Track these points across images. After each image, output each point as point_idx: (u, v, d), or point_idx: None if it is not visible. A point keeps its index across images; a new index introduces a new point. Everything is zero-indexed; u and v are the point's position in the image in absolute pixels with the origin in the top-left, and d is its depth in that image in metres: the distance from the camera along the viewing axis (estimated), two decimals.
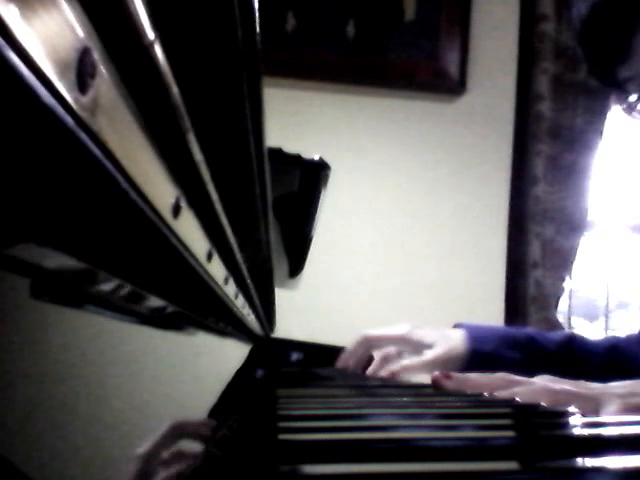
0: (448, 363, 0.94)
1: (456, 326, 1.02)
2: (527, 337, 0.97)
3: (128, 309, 0.35)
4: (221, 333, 0.72)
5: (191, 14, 0.27)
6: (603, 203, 2.41)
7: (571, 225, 2.21)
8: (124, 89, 0.20)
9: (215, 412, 0.53)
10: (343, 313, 2.13)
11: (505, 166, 2.25)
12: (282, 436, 0.33)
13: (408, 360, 0.96)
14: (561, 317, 2.26)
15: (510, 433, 0.34)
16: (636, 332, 0.97)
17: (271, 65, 2.03)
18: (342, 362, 1.07)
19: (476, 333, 0.97)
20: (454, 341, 0.96)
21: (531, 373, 0.89)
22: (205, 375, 0.62)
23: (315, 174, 1.15)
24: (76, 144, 0.17)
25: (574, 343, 0.96)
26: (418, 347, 0.98)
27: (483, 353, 0.94)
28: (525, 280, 2.19)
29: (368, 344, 1.04)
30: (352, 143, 2.21)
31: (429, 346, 0.97)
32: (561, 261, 2.19)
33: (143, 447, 0.31)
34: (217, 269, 0.45)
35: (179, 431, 0.36)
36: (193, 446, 0.39)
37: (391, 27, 2.21)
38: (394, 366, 0.95)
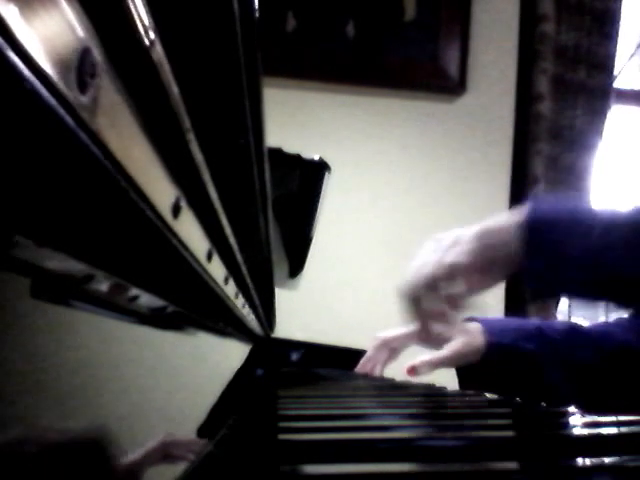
0: (468, 356, 0.94)
1: (467, 320, 1.01)
2: (536, 328, 0.96)
3: (128, 309, 0.35)
4: (221, 333, 0.72)
5: (191, 14, 0.27)
6: (603, 203, 2.40)
7: None
8: (124, 89, 0.20)
9: (215, 412, 0.53)
10: (343, 313, 2.13)
11: (505, 166, 2.25)
12: (282, 436, 0.33)
13: (428, 355, 0.96)
14: (561, 317, 2.26)
15: (510, 433, 0.34)
16: (624, 317, 0.97)
17: (271, 65, 2.03)
18: (361, 368, 1.06)
19: (492, 326, 0.96)
20: (472, 334, 0.95)
21: (540, 363, 0.88)
22: (205, 375, 0.62)
23: (315, 174, 1.15)
24: (76, 144, 0.17)
25: (574, 332, 0.95)
26: (437, 342, 0.98)
27: (501, 345, 0.93)
28: None
29: (387, 346, 1.03)
30: (352, 143, 2.21)
31: (447, 340, 0.96)
32: None
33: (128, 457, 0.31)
34: (217, 269, 0.45)
35: (167, 449, 0.35)
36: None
37: (391, 27, 2.21)
38: (415, 361, 0.95)
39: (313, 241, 1.24)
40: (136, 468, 0.31)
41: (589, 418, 0.40)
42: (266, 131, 0.44)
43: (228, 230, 0.44)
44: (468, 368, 0.96)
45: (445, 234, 0.85)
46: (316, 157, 1.15)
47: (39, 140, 0.17)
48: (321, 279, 2.05)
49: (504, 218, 0.79)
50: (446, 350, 0.95)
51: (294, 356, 1.28)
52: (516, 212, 0.78)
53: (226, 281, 0.52)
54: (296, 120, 2.14)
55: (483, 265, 0.81)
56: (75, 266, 0.24)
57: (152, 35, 0.20)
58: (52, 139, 0.17)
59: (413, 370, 0.95)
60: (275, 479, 0.26)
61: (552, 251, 0.74)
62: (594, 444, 0.31)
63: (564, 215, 0.76)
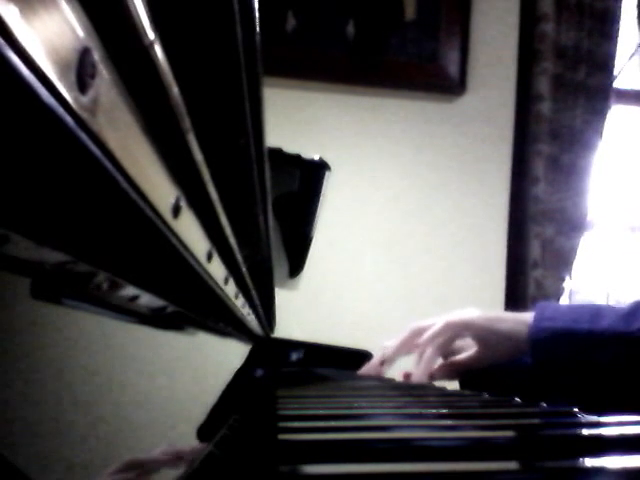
0: (470, 367, 0.94)
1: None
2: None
3: (128, 309, 0.35)
4: (221, 333, 0.72)
5: (191, 14, 0.27)
6: (603, 203, 2.41)
7: (571, 225, 2.21)
8: (124, 89, 0.20)
9: (215, 412, 0.53)
10: (343, 313, 2.13)
11: (505, 166, 2.25)
12: (282, 436, 0.33)
13: (450, 358, 0.96)
14: None
15: (510, 433, 0.34)
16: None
17: (271, 65, 2.03)
18: (365, 372, 1.05)
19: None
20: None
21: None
22: (205, 375, 0.62)
23: (315, 174, 1.15)
24: (76, 144, 0.17)
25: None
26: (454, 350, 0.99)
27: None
28: (525, 280, 2.19)
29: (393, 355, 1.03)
30: (352, 143, 2.21)
31: (456, 351, 0.97)
32: (561, 261, 2.19)
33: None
34: (217, 269, 0.45)
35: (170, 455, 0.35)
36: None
37: (391, 27, 2.21)
38: (411, 371, 0.96)
39: (313, 241, 1.24)
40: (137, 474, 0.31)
41: (589, 418, 0.40)
42: (266, 131, 0.44)
43: (228, 230, 0.44)
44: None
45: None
46: (316, 157, 1.15)
47: (39, 140, 0.17)
48: (321, 279, 2.05)
49: (512, 315, 0.95)
50: (446, 362, 0.95)
51: (294, 356, 1.28)
52: (521, 316, 0.92)
53: (226, 281, 0.52)
54: (296, 120, 2.14)
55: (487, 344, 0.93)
56: (75, 266, 0.24)
57: (152, 35, 0.20)
58: (52, 139, 0.17)
59: (408, 378, 0.95)
60: (275, 479, 0.26)
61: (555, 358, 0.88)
62: (594, 444, 0.31)
63: (566, 328, 0.88)
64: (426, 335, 0.95)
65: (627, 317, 0.84)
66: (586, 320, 0.85)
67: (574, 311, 0.89)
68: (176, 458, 0.36)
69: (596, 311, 0.87)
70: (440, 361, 0.97)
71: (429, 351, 0.94)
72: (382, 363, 1.02)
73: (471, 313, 0.95)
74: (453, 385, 0.98)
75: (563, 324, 0.86)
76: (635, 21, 2.34)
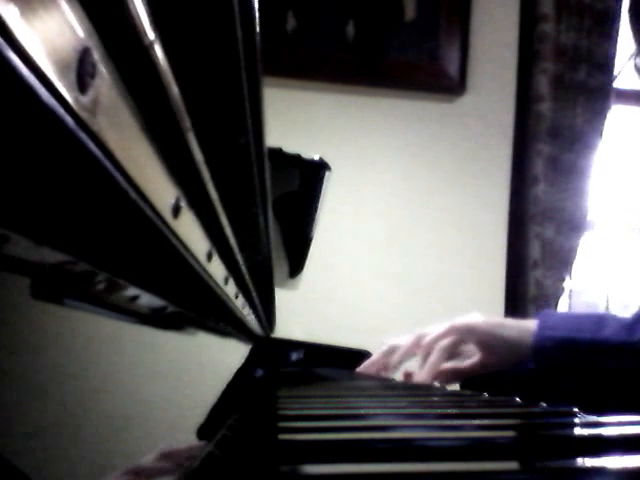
0: (472, 373, 0.95)
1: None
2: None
3: (128, 309, 0.35)
4: (221, 333, 0.72)
5: (191, 14, 0.27)
6: (603, 203, 2.41)
7: (571, 225, 2.21)
8: (124, 89, 0.20)
9: (215, 412, 0.53)
10: (343, 313, 2.13)
11: (505, 166, 2.25)
12: (282, 436, 0.33)
13: (453, 363, 0.97)
14: None
15: (510, 433, 0.34)
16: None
17: (271, 65, 2.03)
18: (364, 369, 1.05)
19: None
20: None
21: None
22: (205, 375, 0.62)
23: (315, 174, 1.15)
24: (76, 144, 0.17)
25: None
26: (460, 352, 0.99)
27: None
28: (525, 280, 2.19)
29: (393, 353, 1.03)
30: (352, 143, 2.21)
31: (460, 354, 0.97)
32: (561, 261, 2.19)
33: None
34: (217, 269, 0.45)
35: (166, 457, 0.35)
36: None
37: (391, 27, 2.21)
38: (415, 371, 0.96)
39: (313, 241, 1.24)
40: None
41: (589, 418, 0.40)
42: (266, 131, 0.44)
43: (228, 230, 0.44)
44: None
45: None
46: (316, 157, 1.15)
47: (39, 140, 0.17)
48: (321, 279, 2.05)
49: (515, 322, 0.95)
50: (449, 365, 0.96)
51: (294, 356, 1.28)
52: (525, 323, 0.93)
53: (226, 281, 0.52)
54: (296, 120, 2.14)
55: (488, 347, 0.94)
56: (75, 266, 0.24)
57: (152, 35, 0.20)
58: (52, 139, 0.17)
59: (409, 377, 0.96)
60: (275, 479, 0.26)
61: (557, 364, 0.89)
62: (594, 444, 0.31)
63: (569, 337, 0.89)
64: (430, 336, 0.95)
65: (630, 327, 0.84)
66: (589, 329, 0.86)
67: (577, 320, 0.89)
68: (175, 465, 0.36)
69: (599, 320, 0.87)
70: (443, 366, 0.97)
71: (433, 355, 0.94)
72: (387, 369, 1.02)
73: (475, 318, 0.95)
74: (453, 385, 0.98)
75: (566, 333, 0.86)
76: (628, 25, 2.34)
